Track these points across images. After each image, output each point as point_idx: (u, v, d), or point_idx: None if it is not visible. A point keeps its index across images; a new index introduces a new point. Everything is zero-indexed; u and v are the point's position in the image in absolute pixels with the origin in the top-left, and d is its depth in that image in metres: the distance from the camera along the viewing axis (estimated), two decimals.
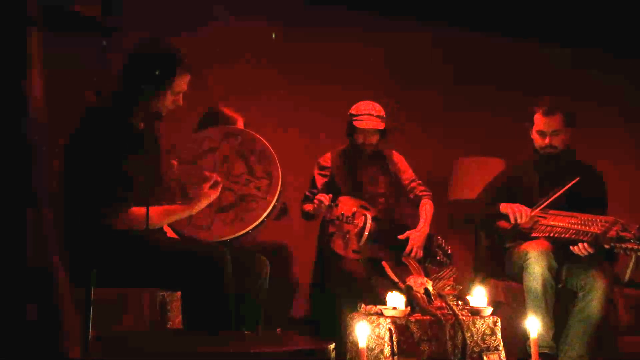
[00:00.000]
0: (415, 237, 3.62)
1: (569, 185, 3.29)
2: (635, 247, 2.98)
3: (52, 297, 1.70)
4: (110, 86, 2.49)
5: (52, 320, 1.69)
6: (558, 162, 3.44)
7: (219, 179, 2.55)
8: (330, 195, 3.56)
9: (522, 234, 3.32)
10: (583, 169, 3.46)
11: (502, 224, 3.39)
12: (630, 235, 3.01)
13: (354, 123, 3.65)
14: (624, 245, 3.01)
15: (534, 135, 3.45)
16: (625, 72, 5.00)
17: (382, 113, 3.68)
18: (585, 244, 3.09)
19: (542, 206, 3.31)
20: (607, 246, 3.05)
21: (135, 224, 2.37)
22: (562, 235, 3.18)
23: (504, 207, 3.36)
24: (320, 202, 3.52)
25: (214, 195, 2.54)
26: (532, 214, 3.31)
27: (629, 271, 3.09)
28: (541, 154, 3.45)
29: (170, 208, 2.53)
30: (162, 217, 2.48)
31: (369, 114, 3.64)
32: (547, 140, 3.40)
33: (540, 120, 3.41)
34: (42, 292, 1.69)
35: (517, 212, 3.30)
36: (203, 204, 2.53)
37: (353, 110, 3.68)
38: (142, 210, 2.37)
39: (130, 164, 2.39)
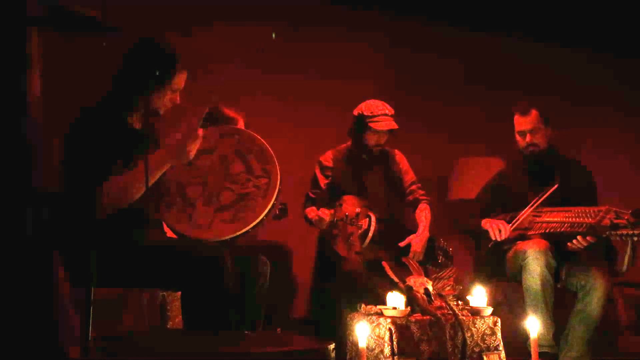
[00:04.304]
0: (416, 243, 3.59)
1: (548, 193, 3.31)
2: (631, 232, 2.97)
3: (52, 297, 1.70)
4: (108, 85, 2.49)
5: (52, 320, 1.69)
6: (543, 160, 3.46)
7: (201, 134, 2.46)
8: (332, 211, 3.50)
9: (520, 235, 3.32)
10: (568, 164, 3.49)
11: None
12: (624, 222, 3.01)
13: (371, 125, 3.54)
14: (619, 232, 3.00)
15: (516, 137, 3.49)
16: (626, 72, 5.01)
17: (393, 112, 3.60)
18: (580, 237, 3.08)
19: (522, 217, 3.32)
20: (603, 235, 3.04)
21: (119, 193, 2.28)
22: (559, 230, 3.19)
23: (485, 223, 3.40)
24: (322, 219, 3.50)
25: (192, 145, 2.43)
26: (512, 228, 3.32)
27: (626, 259, 3.07)
28: (525, 155, 3.48)
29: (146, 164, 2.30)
30: (138, 175, 2.29)
31: (384, 114, 3.55)
32: (527, 139, 3.43)
33: (518, 121, 3.47)
34: (42, 292, 1.69)
35: (495, 229, 3.33)
36: (177, 152, 2.41)
37: (366, 112, 3.56)
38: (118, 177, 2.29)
39: (125, 162, 2.38)
